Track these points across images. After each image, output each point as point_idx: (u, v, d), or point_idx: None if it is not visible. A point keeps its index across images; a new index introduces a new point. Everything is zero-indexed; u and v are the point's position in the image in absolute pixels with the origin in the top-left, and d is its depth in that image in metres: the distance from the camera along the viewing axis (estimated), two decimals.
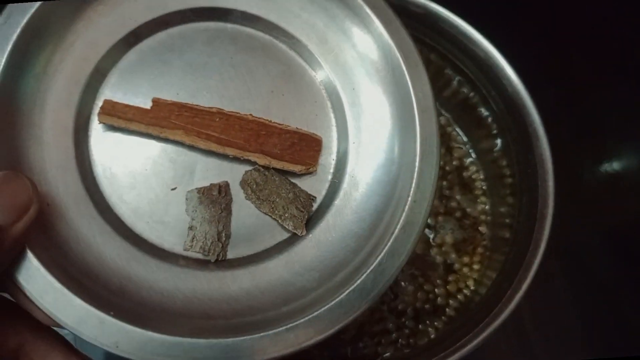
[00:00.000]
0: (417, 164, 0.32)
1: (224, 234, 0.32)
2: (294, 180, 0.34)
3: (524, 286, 0.44)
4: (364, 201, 0.33)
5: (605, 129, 0.60)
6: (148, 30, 0.34)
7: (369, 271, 0.30)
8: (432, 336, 0.52)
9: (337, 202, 0.33)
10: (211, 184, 0.33)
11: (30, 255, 0.27)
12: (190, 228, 0.32)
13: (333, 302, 0.29)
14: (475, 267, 0.54)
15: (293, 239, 0.33)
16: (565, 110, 0.61)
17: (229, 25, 0.36)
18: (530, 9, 0.62)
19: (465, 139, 0.60)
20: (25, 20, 0.30)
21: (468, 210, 0.57)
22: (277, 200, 0.33)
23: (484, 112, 0.56)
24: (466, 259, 0.55)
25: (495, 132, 0.55)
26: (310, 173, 0.34)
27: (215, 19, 0.35)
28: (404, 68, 0.33)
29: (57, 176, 0.31)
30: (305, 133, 0.34)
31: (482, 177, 0.58)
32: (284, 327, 0.28)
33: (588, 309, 0.58)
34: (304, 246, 0.33)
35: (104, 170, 0.32)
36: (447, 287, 0.54)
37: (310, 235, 0.33)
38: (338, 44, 0.36)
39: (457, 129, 0.60)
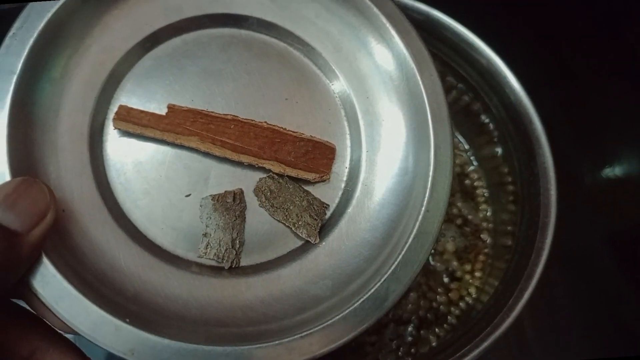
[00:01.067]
0: (430, 173, 0.32)
1: (237, 241, 0.32)
2: (307, 188, 0.34)
3: (526, 295, 0.44)
4: (378, 210, 0.33)
5: (607, 134, 0.60)
6: (164, 35, 0.34)
7: (382, 280, 0.30)
8: (434, 344, 0.52)
9: (350, 210, 0.33)
10: (225, 191, 0.33)
11: (45, 261, 0.27)
12: (205, 235, 0.32)
13: (347, 311, 0.29)
14: (477, 274, 0.54)
15: (306, 247, 0.33)
16: (567, 116, 0.62)
17: (244, 32, 0.36)
18: (531, 15, 0.62)
19: (466, 146, 0.60)
20: (42, 25, 0.30)
21: (469, 217, 0.57)
22: (291, 207, 0.33)
23: (485, 119, 0.56)
24: (468, 267, 0.55)
25: (496, 139, 0.56)
26: (324, 181, 0.34)
27: (231, 25, 0.35)
28: (419, 78, 0.34)
29: (72, 182, 0.31)
30: (319, 141, 0.34)
31: (483, 184, 0.59)
32: (298, 335, 0.28)
33: (590, 316, 0.58)
34: (318, 254, 0.32)
35: (119, 176, 0.32)
36: (449, 295, 0.54)
37: (324, 244, 0.33)
38: (352, 52, 0.36)
39: (459, 136, 0.60)
